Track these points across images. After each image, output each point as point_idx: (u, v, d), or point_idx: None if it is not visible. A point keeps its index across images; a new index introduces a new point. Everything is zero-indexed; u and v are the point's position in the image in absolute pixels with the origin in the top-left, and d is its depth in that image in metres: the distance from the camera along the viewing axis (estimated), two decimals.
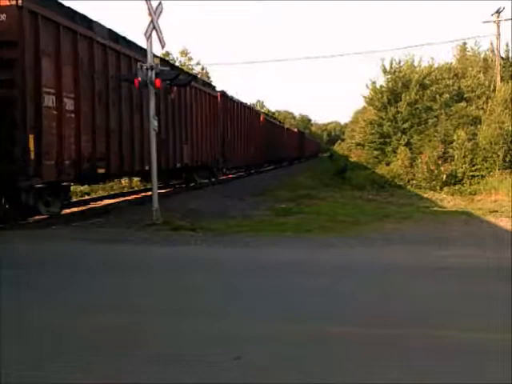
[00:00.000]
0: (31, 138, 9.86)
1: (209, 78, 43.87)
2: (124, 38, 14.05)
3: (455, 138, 22.61)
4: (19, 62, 9.71)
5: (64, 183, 11.79)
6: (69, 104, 11.04)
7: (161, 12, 10.62)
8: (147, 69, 10.59)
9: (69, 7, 11.36)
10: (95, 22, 12.35)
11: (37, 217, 11.27)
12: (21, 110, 9.72)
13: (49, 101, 10.40)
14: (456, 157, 21.89)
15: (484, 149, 21.75)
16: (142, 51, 12.43)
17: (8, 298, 5.02)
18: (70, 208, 13.52)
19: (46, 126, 10.30)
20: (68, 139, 11.03)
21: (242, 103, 28.65)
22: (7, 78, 9.65)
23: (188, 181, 20.66)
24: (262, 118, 34.95)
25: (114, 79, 12.93)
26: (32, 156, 9.84)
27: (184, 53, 43.29)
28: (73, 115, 11.20)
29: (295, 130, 60.63)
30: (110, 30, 13.14)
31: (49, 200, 11.08)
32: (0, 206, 10.32)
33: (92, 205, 15.71)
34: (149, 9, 10.47)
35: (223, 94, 24.77)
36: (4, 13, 9.54)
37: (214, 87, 24.26)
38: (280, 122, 52.78)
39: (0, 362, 3.46)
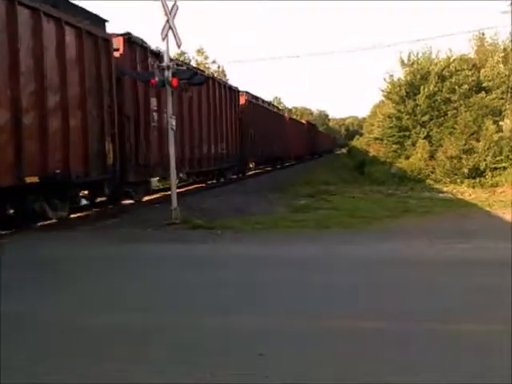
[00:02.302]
0: None
1: (225, 76, 43.80)
2: None
3: (484, 129, 22.15)
4: None
5: None
6: None
7: (176, 12, 10.64)
8: (163, 69, 10.63)
9: None
10: None
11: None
12: None
13: None
14: (480, 149, 21.46)
15: (510, 139, 21.33)
16: None
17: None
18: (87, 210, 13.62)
19: None
20: None
21: (193, 68, 18.43)
22: None
23: (25, 217, 10.04)
24: (243, 100, 24.83)
25: None
26: None
27: (200, 52, 43.32)
28: None
29: (303, 121, 49.84)
30: None
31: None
32: None
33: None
34: (164, 9, 10.49)
35: (139, 44, 13.56)
36: None
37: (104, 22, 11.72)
38: (278, 108, 43.41)
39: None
